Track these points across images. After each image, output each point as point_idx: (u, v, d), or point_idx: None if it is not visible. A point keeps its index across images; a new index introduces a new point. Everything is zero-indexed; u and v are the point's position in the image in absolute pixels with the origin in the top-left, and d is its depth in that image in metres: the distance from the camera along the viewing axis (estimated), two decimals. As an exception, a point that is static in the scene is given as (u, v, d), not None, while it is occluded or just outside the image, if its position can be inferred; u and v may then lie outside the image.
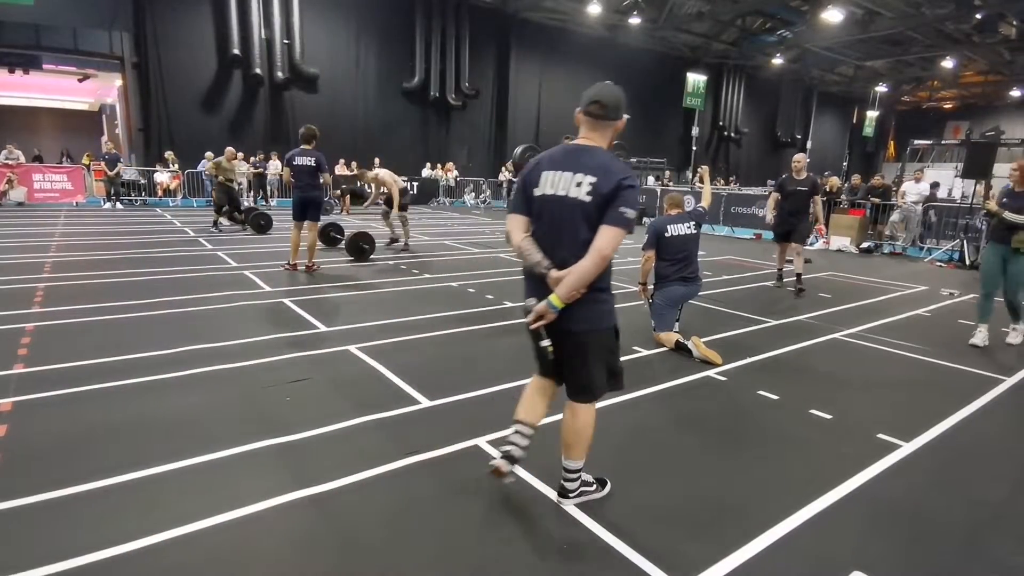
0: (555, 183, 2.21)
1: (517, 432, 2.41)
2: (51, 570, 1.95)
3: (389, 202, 9.28)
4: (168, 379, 3.63)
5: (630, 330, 4.47)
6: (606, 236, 2.11)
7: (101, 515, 2.27)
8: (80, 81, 19.28)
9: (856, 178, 15.05)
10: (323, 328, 4.90)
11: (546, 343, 2.24)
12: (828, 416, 3.54)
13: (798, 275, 7.10)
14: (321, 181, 7.09)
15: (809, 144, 34.21)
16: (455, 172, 20.72)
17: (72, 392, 3.37)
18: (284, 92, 18.53)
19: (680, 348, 4.55)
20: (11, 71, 17.18)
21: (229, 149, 11.49)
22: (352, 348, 4.37)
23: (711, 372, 4.21)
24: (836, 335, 5.40)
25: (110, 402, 3.29)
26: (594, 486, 2.54)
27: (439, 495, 2.52)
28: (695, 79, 24.16)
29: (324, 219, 8.19)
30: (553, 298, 2.13)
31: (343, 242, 8.81)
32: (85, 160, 16.94)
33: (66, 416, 3.09)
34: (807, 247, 7.87)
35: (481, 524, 2.34)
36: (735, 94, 30.40)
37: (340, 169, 18.01)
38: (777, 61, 27.36)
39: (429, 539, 2.23)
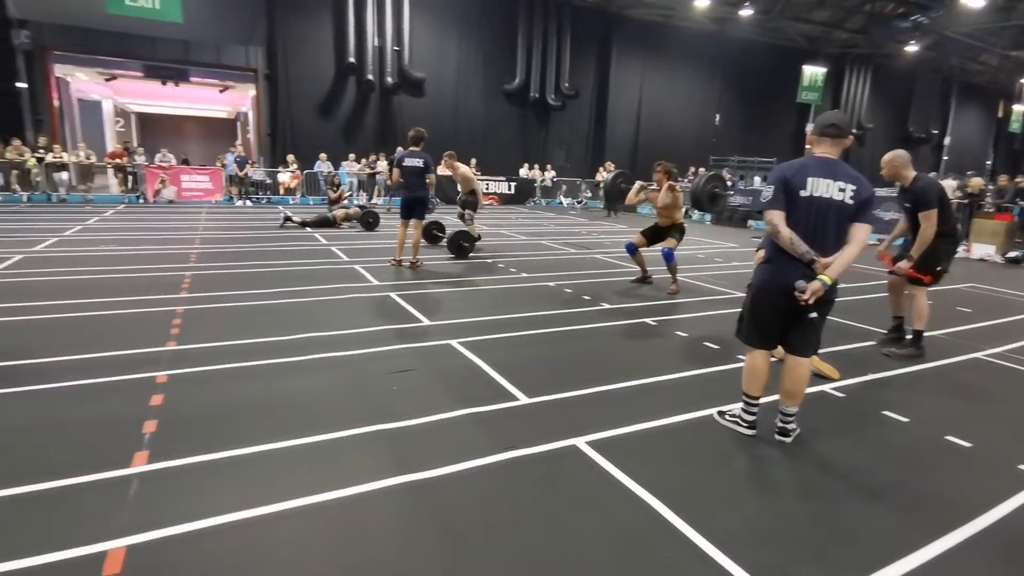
0: (819, 187, 2.82)
1: (754, 407, 3.16)
2: (195, 527, 2.21)
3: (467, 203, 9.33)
4: (290, 363, 3.98)
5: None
6: (865, 231, 2.83)
7: (235, 482, 2.54)
8: (221, 92, 21.49)
9: (1003, 178, 13.32)
10: (426, 322, 5.13)
11: (814, 314, 2.92)
12: (967, 444, 3.19)
13: (917, 332, 4.73)
14: (427, 181, 7.42)
15: (948, 140, 30.75)
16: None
17: (214, 369, 3.79)
18: (393, 96, 19.51)
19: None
20: (164, 83, 19.54)
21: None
22: (453, 342, 4.53)
23: (827, 387, 3.93)
24: (977, 354, 4.83)
25: (244, 380, 3.66)
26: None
27: (536, 492, 2.56)
28: (812, 71, 22.53)
29: (428, 217, 8.53)
30: (826, 278, 2.76)
31: (444, 240, 9.15)
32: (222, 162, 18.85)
33: (210, 390, 3.48)
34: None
35: (578, 526, 2.35)
36: (859, 86, 27.91)
37: (441, 170, 18.67)
38: (911, 49, 24.80)
39: (525, 535, 2.27)
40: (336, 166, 17.21)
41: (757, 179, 19.57)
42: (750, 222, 15.42)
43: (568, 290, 6.65)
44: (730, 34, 23.48)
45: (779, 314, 2.99)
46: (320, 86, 18.55)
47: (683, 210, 6.87)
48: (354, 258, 8.20)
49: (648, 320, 5.53)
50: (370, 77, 18.62)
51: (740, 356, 4.40)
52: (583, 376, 3.93)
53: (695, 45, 23.52)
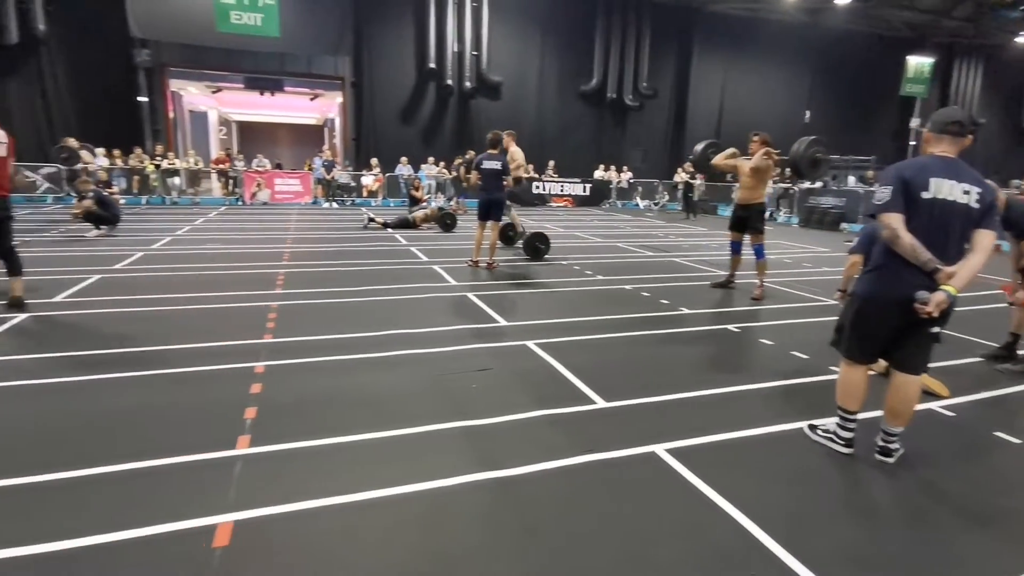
0: (943, 189, 2.60)
1: (851, 423, 2.94)
2: (293, 508, 2.36)
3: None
4: (375, 358, 4.15)
5: (828, 347, 4.04)
6: (990, 237, 2.62)
7: (327, 468, 2.68)
8: (311, 100, 22.79)
9: None
10: (503, 322, 5.20)
11: (936, 329, 2.68)
12: (1102, 475, 2.84)
13: None
14: (504, 184, 7.53)
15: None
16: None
17: (306, 362, 4.02)
18: (471, 100, 19.94)
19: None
20: (261, 93, 20.93)
21: None
22: (529, 343, 4.57)
23: (934, 405, 3.62)
24: (1116, 375, 4.29)
25: (333, 373, 3.86)
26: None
27: (616, 497, 2.54)
28: (918, 62, 20.81)
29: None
30: (951, 289, 2.53)
31: (520, 241, 9.23)
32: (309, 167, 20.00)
33: (302, 381, 3.70)
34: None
35: (660, 536, 2.30)
36: (970, 78, 25.51)
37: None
38: (1022, 40, 22.37)
39: (605, 541, 2.25)
40: (416, 169, 17.79)
41: (851, 179, 18.32)
42: (843, 225, 14.48)
43: (645, 294, 6.53)
44: (824, 25, 22.15)
45: (889, 327, 2.76)
46: (402, 92, 19.28)
47: (767, 187, 6.61)
48: (433, 258, 8.44)
49: (730, 327, 5.33)
50: (449, 82, 19.13)
51: (832, 368, 4.15)
52: (661, 382, 3.85)
53: (784, 38, 22.39)
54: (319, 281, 6.62)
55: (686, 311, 5.80)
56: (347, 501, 2.42)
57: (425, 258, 8.48)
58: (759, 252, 6.48)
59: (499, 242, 8.60)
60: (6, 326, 4.55)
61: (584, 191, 20.07)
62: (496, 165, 7.40)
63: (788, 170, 6.53)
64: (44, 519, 2.24)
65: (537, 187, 19.31)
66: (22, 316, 4.81)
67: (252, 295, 5.85)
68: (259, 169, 17.13)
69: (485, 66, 19.54)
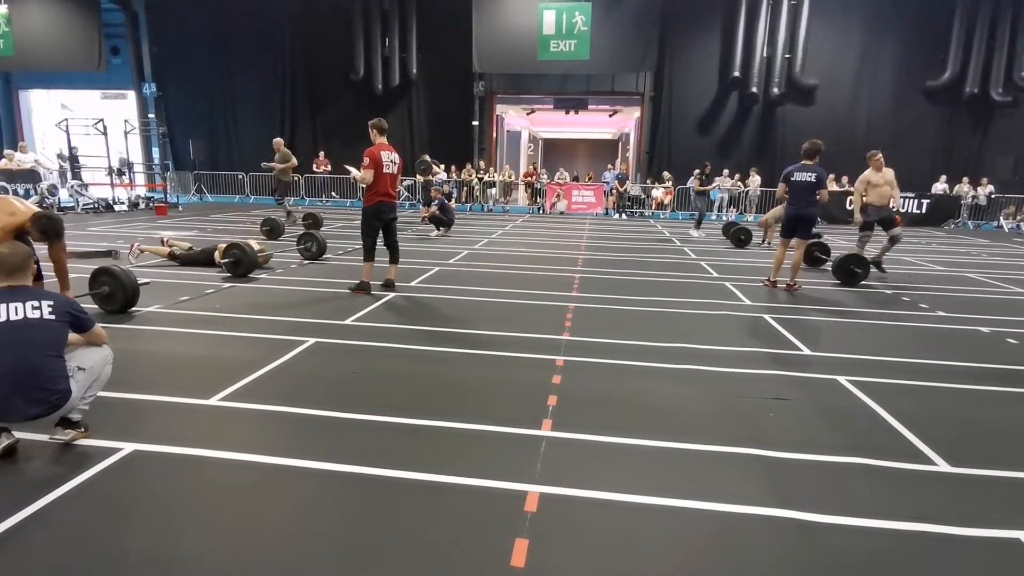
0: None
1: None
2: (585, 494, 2.54)
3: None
4: (664, 368, 4.17)
5: None
6: None
7: (616, 465, 2.81)
8: (610, 116, 24.02)
9: None
10: (806, 351, 4.67)
11: None
12: None
13: None
14: (818, 198, 6.74)
15: None
16: None
17: (599, 362, 4.27)
18: (777, 108, 18.36)
19: None
20: (567, 112, 22.90)
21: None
22: (841, 379, 4.00)
23: None
24: None
25: (625, 376, 4.01)
26: None
27: (965, 584, 2.06)
28: None
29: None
30: None
31: (829, 263, 8.14)
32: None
33: (597, 380, 3.94)
34: None
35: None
36: None
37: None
38: None
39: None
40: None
41: None
42: None
43: (1012, 341, 5.08)
44: None
45: None
46: (700, 103, 18.85)
47: None
48: (723, 274, 8.05)
49: None
50: (754, 90, 17.98)
51: None
52: (1040, 457, 2.95)
53: None
54: (611, 287, 6.94)
55: (1083, 371, 4.32)
56: (636, 501, 2.49)
57: (715, 274, 8.14)
58: None
59: (803, 263, 7.73)
60: (383, 301, 5.98)
61: (919, 208, 16.57)
62: (809, 177, 6.67)
63: None
64: (405, 453, 2.88)
65: (850, 202, 16.67)
66: (392, 295, 6.25)
67: (552, 295, 6.46)
68: (559, 182, 18.80)
69: (798, 69, 17.75)
